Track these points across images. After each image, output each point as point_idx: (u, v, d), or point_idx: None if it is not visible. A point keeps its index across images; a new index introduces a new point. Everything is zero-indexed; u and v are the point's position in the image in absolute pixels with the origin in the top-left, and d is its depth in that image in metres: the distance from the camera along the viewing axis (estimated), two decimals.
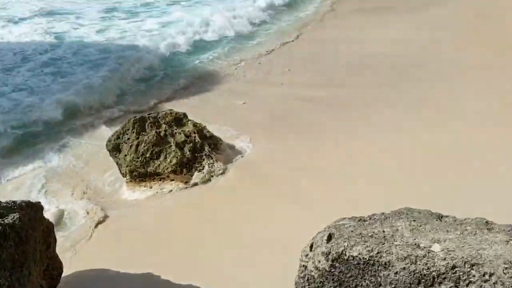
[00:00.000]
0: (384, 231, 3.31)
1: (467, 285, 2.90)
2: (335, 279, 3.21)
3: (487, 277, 2.86)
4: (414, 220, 3.39)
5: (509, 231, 3.26)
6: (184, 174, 7.60)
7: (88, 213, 6.96)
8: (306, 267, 3.40)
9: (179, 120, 8.16)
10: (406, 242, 3.13)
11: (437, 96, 9.49)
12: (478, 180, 6.88)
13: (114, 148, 7.77)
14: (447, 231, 3.24)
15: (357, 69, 11.12)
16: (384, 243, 3.15)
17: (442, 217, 3.52)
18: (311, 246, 3.42)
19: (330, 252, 3.24)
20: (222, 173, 7.68)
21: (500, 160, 7.32)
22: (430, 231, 3.26)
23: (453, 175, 7.05)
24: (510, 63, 10.38)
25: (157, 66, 11.75)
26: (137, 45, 12.76)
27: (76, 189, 7.56)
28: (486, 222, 3.40)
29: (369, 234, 3.28)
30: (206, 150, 7.83)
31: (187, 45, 12.79)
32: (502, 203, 6.23)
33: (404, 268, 3.02)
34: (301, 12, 15.34)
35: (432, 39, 12.29)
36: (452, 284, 2.92)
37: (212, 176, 7.62)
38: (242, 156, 8.13)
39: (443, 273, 2.94)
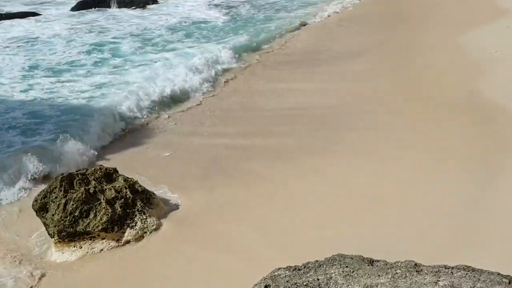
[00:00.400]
0: (318, 279, 3.36)
1: None
2: None
3: None
4: (346, 266, 3.47)
5: (436, 272, 3.41)
6: (116, 232, 7.38)
7: (15, 279, 6.56)
8: None
9: (109, 175, 7.99)
10: None
11: (360, 143, 9.92)
12: (404, 222, 7.17)
13: (41, 208, 7.45)
14: (379, 275, 3.34)
15: (284, 118, 11.43)
16: None
17: (373, 261, 3.63)
18: None
19: None
20: (155, 229, 7.53)
21: (424, 202, 7.69)
22: (362, 276, 3.35)
23: (381, 219, 7.32)
24: (425, 112, 11.08)
25: (100, 126, 11.01)
26: (75, 106, 11.97)
27: (0, 254, 7.13)
28: (415, 264, 3.54)
29: (304, 283, 3.32)
30: (138, 205, 7.68)
31: (123, 102, 12.23)
32: (427, 244, 6.52)
33: None
34: (229, 64, 15.64)
35: (353, 90, 12.90)
36: None
37: (145, 233, 7.45)
38: (176, 209, 8.04)
39: None
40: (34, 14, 21.73)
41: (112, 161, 9.64)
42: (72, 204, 7.37)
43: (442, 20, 19.32)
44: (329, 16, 21.36)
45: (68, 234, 7.23)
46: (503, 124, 9.96)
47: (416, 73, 13.62)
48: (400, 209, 7.53)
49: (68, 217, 7.27)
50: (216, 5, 23.84)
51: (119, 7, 23.89)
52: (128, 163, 9.65)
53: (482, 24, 17.49)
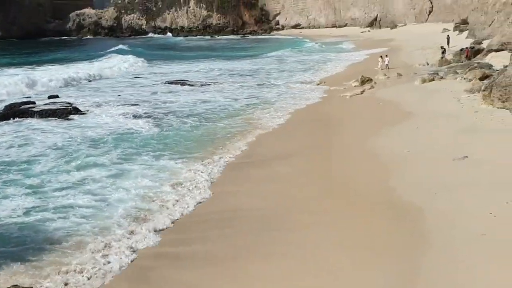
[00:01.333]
0: None
1: None
2: None
3: None
4: None
5: None
6: None
7: None
8: None
9: None
10: None
11: (290, 243, 10.11)
12: None
13: None
14: None
15: (216, 222, 11.45)
16: None
17: None
18: None
19: None
20: None
21: None
22: None
23: None
24: (346, 211, 11.55)
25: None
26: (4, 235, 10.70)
27: None
28: None
29: None
30: None
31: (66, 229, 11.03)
32: None
33: None
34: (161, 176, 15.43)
35: (281, 191, 13.20)
36: None
37: None
38: None
39: None
40: None
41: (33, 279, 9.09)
42: None
43: (357, 124, 20.69)
44: (255, 125, 21.81)
45: None
46: (416, 220, 10.55)
47: (337, 173, 14.27)
48: None
49: None
50: (141, 116, 23.49)
51: (40, 117, 22.99)
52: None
53: (391, 126, 18.92)
